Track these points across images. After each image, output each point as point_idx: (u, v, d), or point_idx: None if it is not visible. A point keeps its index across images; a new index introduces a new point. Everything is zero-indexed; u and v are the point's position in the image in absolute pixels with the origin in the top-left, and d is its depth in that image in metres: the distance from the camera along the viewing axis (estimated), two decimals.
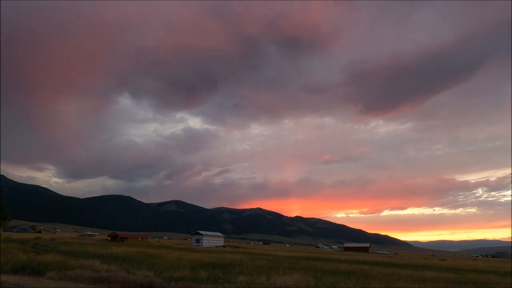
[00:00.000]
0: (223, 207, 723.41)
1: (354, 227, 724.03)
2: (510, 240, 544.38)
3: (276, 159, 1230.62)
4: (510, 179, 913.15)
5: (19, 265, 17.93)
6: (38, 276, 16.23)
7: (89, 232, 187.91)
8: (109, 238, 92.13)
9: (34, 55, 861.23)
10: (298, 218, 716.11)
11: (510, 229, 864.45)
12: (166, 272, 17.89)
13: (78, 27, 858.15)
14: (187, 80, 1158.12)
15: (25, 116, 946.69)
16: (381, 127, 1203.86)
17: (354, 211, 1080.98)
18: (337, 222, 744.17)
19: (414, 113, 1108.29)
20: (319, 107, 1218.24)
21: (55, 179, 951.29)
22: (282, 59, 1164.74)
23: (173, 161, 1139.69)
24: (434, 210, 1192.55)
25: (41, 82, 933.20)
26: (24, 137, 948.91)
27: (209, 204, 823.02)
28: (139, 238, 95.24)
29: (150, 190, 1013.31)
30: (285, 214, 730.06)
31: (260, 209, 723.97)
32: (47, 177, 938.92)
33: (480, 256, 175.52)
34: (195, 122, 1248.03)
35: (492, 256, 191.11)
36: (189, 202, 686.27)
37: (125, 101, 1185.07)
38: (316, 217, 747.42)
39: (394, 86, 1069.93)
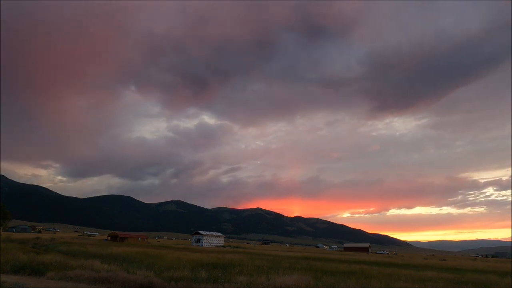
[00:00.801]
0: (223, 207, 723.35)
1: (354, 227, 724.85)
2: (510, 240, 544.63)
3: (287, 156, 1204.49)
4: None
5: (19, 265, 17.93)
6: (38, 276, 16.23)
7: (89, 232, 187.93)
8: (109, 238, 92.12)
9: (35, 46, 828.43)
10: (298, 218, 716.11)
11: (510, 229, 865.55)
12: (166, 272, 17.89)
13: (82, 13, 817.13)
14: (198, 72, 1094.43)
15: (28, 112, 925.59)
16: (396, 124, 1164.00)
17: (361, 210, 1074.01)
18: (337, 222, 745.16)
19: (431, 109, 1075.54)
20: (333, 102, 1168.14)
21: (60, 177, 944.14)
22: (298, 49, 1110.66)
23: (182, 159, 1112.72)
24: (441, 209, 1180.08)
25: (43, 75, 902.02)
26: (27, 134, 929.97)
27: (209, 204, 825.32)
28: (139, 238, 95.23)
29: (155, 189, 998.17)
30: (285, 214, 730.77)
31: (260, 209, 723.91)
32: (52, 175, 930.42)
33: (480, 256, 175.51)
34: (207, 117, 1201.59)
35: (492, 256, 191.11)
36: (189, 202, 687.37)
37: (132, 94, 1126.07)
38: (316, 217, 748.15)
39: (413, 80, 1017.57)
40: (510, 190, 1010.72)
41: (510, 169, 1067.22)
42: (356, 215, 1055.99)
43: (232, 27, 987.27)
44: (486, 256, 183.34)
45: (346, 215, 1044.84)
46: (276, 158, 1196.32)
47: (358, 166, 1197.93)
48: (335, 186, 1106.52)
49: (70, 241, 55.89)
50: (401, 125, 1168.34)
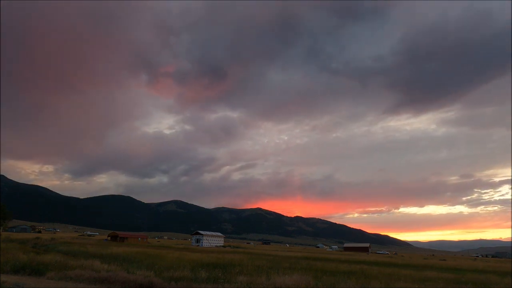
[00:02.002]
0: (223, 207, 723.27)
1: (354, 227, 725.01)
2: (510, 240, 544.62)
3: (304, 153, 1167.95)
4: None
5: (19, 265, 17.92)
6: (38, 276, 16.23)
7: (89, 232, 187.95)
8: (109, 238, 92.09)
9: (37, 36, 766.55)
10: (298, 218, 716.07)
11: (510, 229, 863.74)
12: (166, 272, 17.89)
13: None
14: (215, 59, 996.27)
15: (29, 109, 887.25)
16: (418, 120, 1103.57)
17: (371, 209, 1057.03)
18: (337, 222, 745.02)
19: (459, 103, 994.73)
20: (357, 94, 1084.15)
21: (66, 175, 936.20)
22: (324, 33, 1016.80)
23: (196, 155, 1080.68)
24: (453, 208, 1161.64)
25: (46, 67, 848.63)
26: (29, 131, 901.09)
27: (209, 204, 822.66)
28: (139, 238, 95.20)
29: (162, 187, 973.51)
30: (285, 214, 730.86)
31: (260, 209, 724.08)
32: (58, 174, 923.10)
33: (480, 256, 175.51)
34: (223, 110, 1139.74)
35: (492, 256, 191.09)
36: (189, 202, 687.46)
37: (143, 84, 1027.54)
38: (316, 217, 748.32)
39: (446, 71, 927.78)
40: None
41: None
42: (364, 215, 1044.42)
43: (253, 4, 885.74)
44: (486, 256, 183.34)
45: (356, 215, 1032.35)
46: (292, 155, 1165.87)
47: (371, 165, 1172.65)
48: (346, 185, 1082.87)
49: (70, 241, 55.87)
50: (424, 121, 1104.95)
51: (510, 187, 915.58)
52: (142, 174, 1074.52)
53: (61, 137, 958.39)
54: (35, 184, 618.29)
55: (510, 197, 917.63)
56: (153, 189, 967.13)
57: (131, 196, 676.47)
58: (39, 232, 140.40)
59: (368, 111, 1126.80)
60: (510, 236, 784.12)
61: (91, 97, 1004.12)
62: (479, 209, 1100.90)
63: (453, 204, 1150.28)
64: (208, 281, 16.08)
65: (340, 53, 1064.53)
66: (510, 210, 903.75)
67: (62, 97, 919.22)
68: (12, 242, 44.68)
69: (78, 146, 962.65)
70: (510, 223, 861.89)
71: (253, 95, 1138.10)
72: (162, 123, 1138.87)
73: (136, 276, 15.57)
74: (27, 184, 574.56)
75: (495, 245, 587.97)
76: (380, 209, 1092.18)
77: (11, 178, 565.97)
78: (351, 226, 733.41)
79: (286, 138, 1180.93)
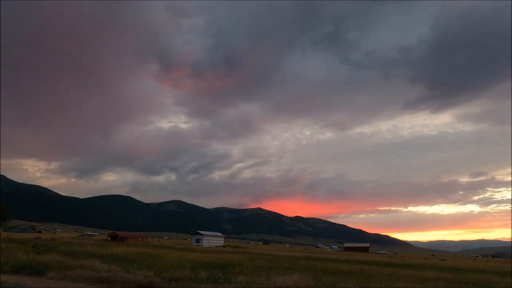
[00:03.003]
0: (223, 207, 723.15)
1: (354, 227, 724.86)
2: (510, 240, 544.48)
3: (323, 150, 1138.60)
4: None
5: (19, 265, 17.93)
6: (38, 276, 16.23)
7: (89, 232, 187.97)
8: (109, 238, 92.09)
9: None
10: (298, 218, 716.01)
11: (510, 229, 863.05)
12: (166, 272, 17.89)
13: None
14: (232, 47, 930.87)
15: (33, 102, 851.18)
16: (439, 116, 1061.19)
17: (382, 208, 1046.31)
18: (337, 222, 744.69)
19: (482, 99, 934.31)
20: (377, 87, 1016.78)
21: (72, 173, 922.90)
22: (346, 16, 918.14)
23: (210, 151, 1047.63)
24: (463, 207, 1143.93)
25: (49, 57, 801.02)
26: (36, 127, 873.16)
27: (209, 204, 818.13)
28: (139, 238, 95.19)
29: (169, 185, 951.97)
30: (285, 214, 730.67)
31: (260, 209, 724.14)
32: (61, 172, 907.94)
33: (480, 256, 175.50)
34: (242, 105, 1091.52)
35: (492, 256, 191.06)
36: (189, 202, 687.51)
37: (154, 75, 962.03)
38: (316, 217, 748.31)
39: (475, 65, 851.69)
40: None
41: None
42: (372, 215, 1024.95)
43: None
44: (486, 256, 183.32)
45: (363, 215, 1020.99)
46: (308, 152, 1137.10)
47: (384, 164, 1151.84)
48: (356, 185, 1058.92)
49: (70, 241, 55.87)
50: (445, 117, 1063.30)
51: (510, 187, 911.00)
52: (149, 171, 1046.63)
53: (66, 133, 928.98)
54: (35, 184, 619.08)
55: None
56: (160, 187, 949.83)
57: (131, 196, 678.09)
58: (39, 232, 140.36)
59: (387, 106, 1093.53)
60: (510, 236, 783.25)
61: (99, 90, 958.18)
62: (489, 208, 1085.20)
63: (465, 203, 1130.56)
64: (208, 281, 16.08)
65: (362, 42, 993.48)
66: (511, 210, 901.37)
67: (67, 89, 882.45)
68: (12, 242, 44.66)
69: (83, 142, 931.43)
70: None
71: (270, 87, 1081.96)
72: (176, 117, 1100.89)
73: (136, 276, 15.57)
74: (27, 184, 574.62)
75: (495, 245, 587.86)
76: (387, 208, 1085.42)
77: (11, 178, 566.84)
78: (351, 226, 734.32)
79: (305, 133, 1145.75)
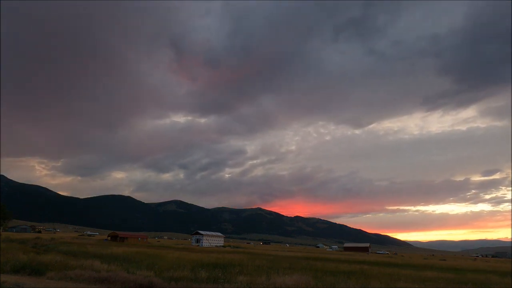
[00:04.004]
0: (223, 207, 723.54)
1: (354, 227, 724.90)
2: (510, 240, 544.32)
3: (339, 147, 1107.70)
4: None
5: (19, 265, 17.92)
6: (38, 276, 16.22)
7: (89, 232, 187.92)
8: (109, 238, 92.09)
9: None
10: (298, 218, 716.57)
11: (510, 229, 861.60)
12: (166, 272, 17.88)
13: None
14: (249, 35, 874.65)
15: (34, 97, 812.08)
16: (461, 112, 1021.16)
17: (390, 208, 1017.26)
18: (337, 222, 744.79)
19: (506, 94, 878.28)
20: (399, 81, 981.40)
21: (78, 173, 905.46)
22: (372, 3, 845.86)
23: (223, 148, 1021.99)
24: (474, 206, 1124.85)
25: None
26: (33, 127, 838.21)
27: (209, 204, 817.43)
28: (139, 238, 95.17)
29: (176, 183, 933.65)
30: (285, 214, 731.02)
31: (260, 209, 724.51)
32: (66, 169, 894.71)
33: (480, 256, 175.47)
34: (262, 98, 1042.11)
35: (492, 256, 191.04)
36: (189, 202, 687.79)
37: (167, 66, 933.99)
38: (316, 217, 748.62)
39: (504, 56, 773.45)
40: None
41: None
42: (380, 214, 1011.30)
43: None
44: (486, 256, 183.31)
45: (370, 215, 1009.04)
46: (324, 149, 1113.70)
47: (400, 164, 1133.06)
48: (367, 184, 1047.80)
49: (70, 241, 55.86)
50: (468, 112, 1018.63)
51: (511, 187, 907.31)
52: (158, 168, 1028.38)
53: (70, 128, 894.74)
54: (35, 184, 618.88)
55: None
56: (166, 185, 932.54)
57: (131, 196, 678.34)
58: (39, 232, 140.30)
59: (408, 101, 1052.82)
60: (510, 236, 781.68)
61: (106, 79, 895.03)
62: (500, 207, 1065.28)
63: (476, 202, 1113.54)
64: (208, 281, 16.07)
65: (390, 29, 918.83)
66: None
67: (71, 80, 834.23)
68: (12, 242, 44.64)
69: (89, 139, 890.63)
70: None
71: (290, 78, 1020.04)
72: (190, 109, 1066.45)
73: (136, 276, 15.57)
74: (27, 184, 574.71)
75: (495, 245, 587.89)
76: (395, 208, 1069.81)
77: (11, 178, 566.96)
78: (351, 226, 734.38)
79: (325, 129, 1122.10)
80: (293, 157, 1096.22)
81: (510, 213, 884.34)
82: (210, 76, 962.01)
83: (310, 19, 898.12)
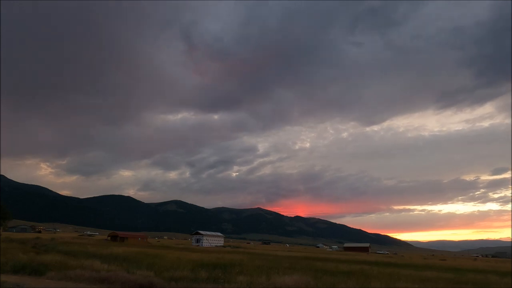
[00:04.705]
0: (223, 207, 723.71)
1: (354, 227, 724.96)
2: (510, 240, 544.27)
3: (351, 145, 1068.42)
4: None
5: (19, 265, 17.92)
6: (38, 276, 16.23)
7: (89, 232, 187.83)
8: (109, 238, 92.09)
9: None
10: (298, 218, 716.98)
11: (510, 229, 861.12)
12: (166, 272, 17.88)
13: None
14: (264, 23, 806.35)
15: (33, 92, 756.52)
16: (483, 107, 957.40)
17: (396, 207, 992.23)
18: (337, 222, 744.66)
19: None
20: (418, 74, 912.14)
21: (81, 172, 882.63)
22: None
23: (234, 145, 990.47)
24: (483, 206, 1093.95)
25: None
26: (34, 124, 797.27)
27: (209, 204, 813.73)
28: (139, 238, 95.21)
29: (183, 182, 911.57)
30: (285, 214, 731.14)
31: (260, 209, 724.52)
32: (71, 166, 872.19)
33: (480, 256, 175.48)
34: (277, 92, 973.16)
35: (492, 256, 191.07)
36: (189, 202, 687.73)
37: (178, 55, 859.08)
38: (316, 217, 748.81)
39: None
40: None
41: None
42: (386, 214, 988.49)
43: None
44: (486, 256, 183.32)
45: (370, 215, 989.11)
46: (337, 147, 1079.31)
47: (413, 164, 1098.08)
48: (374, 182, 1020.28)
49: (70, 241, 55.91)
50: (486, 108, 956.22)
51: (511, 187, 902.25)
52: (166, 166, 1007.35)
53: (73, 124, 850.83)
54: (35, 184, 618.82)
55: None
56: (171, 184, 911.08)
57: (131, 196, 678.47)
58: (39, 232, 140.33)
59: (423, 97, 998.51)
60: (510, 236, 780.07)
61: (112, 70, 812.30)
62: (508, 206, 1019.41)
63: (484, 202, 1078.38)
64: (208, 281, 16.08)
65: (410, 20, 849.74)
66: None
67: (74, 76, 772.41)
68: (12, 242, 44.64)
69: (94, 136, 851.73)
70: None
71: (306, 71, 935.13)
72: (199, 104, 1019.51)
73: (136, 276, 15.57)
74: (27, 184, 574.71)
75: (495, 245, 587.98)
76: (402, 207, 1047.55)
77: (11, 178, 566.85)
78: (351, 226, 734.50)
79: (338, 127, 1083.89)
80: (306, 154, 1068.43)
81: (510, 213, 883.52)
82: (222, 69, 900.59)
83: (327, 8, 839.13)
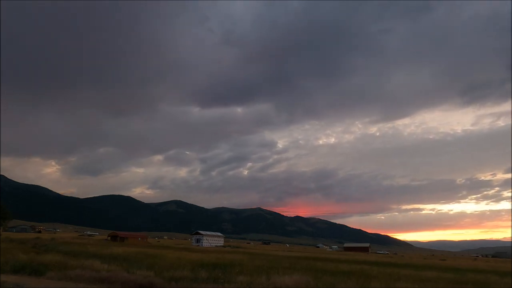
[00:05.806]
0: (223, 207, 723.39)
1: (354, 227, 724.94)
2: (510, 240, 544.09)
3: (370, 143, 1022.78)
4: None
5: (19, 265, 17.92)
6: (38, 276, 16.23)
7: (89, 232, 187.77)
8: (109, 238, 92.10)
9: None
10: (298, 218, 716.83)
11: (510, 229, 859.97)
12: (166, 272, 17.87)
13: None
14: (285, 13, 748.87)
15: (33, 84, 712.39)
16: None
17: (404, 207, 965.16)
18: (337, 222, 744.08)
19: None
20: (441, 66, 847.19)
21: (82, 172, 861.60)
22: None
23: (253, 140, 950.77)
24: (495, 205, 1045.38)
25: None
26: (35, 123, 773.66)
27: (209, 204, 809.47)
28: (139, 238, 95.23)
29: (190, 180, 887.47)
30: (285, 214, 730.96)
31: (260, 209, 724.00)
32: (74, 163, 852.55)
33: (480, 256, 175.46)
34: (302, 83, 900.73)
35: (492, 256, 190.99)
36: (189, 202, 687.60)
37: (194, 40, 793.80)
38: (316, 217, 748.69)
39: None
40: None
41: None
42: (389, 213, 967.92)
43: None
44: (486, 256, 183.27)
45: (378, 216, 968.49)
46: (360, 144, 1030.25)
47: (427, 163, 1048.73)
48: (386, 180, 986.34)
49: (70, 241, 55.91)
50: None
51: (511, 186, 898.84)
52: (178, 163, 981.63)
53: (75, 120, 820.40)
54: (35, 184, 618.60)
55: None
56: (180, 182, 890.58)
57: (131, 196, 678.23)
58: (39, 232, 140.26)
59: (448, 92, 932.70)
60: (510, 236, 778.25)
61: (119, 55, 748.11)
62: None
63: (497, 201, 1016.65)
64: (208, 281, 16.07)
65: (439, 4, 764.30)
66: None
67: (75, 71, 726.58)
68: (12, 242, 44.68)
69: (101, 132, 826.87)
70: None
71: (333, 59, 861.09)
72: (216, 99, 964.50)
73: (136, 276, 15.57)
74: (27, 184, 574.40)
75: (495, 245, 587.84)
76: (410, 207, 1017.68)
77: (11, 178, 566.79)
78: (351, 226, 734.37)
79: (365, 120, 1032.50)
80: (327, 150, 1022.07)
81: (511, 213, 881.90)
82: (241, 57, 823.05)
83: None
